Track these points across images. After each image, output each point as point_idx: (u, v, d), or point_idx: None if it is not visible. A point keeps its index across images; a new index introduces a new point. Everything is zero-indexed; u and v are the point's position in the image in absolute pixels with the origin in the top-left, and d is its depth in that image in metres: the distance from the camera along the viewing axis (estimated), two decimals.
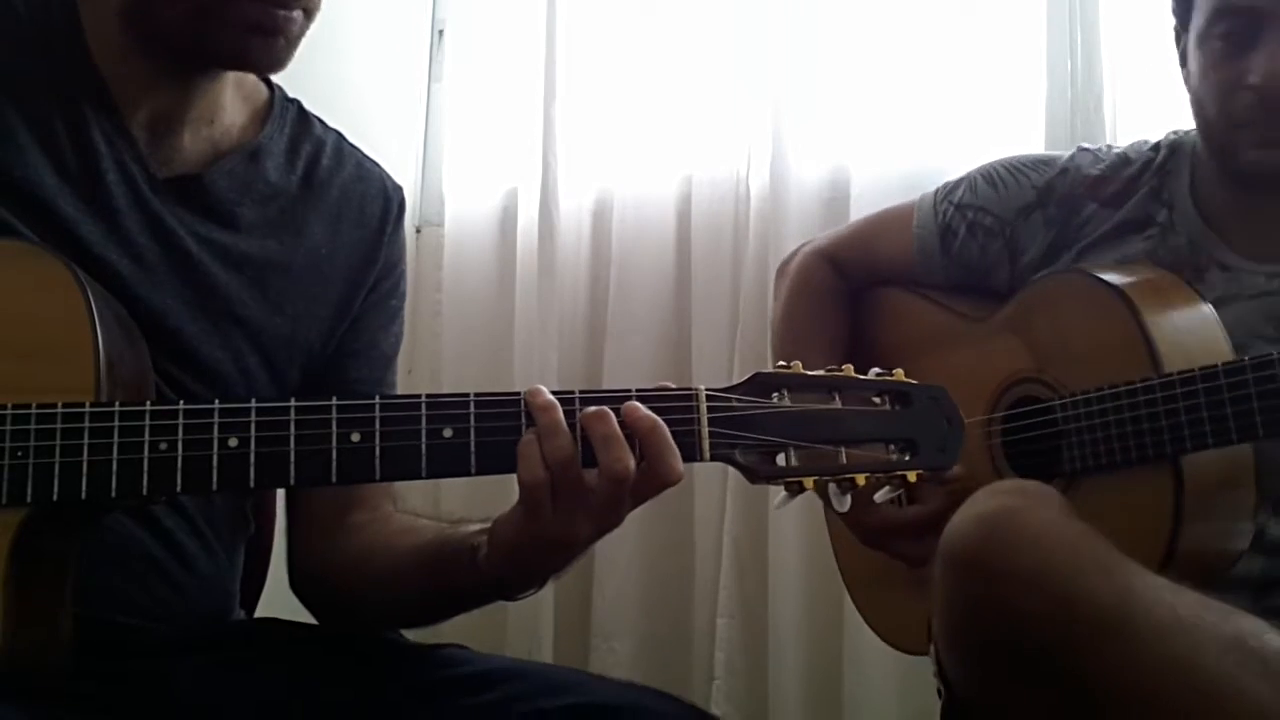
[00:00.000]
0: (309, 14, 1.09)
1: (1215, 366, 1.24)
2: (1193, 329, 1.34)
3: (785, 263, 1.77)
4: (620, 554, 2.38)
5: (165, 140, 1.13)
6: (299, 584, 1.24)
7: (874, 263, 1.67)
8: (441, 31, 2.75)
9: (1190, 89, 1.41)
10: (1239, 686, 0.95)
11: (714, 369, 2.31)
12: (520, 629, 2.41)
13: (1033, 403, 1.44)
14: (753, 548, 2.26)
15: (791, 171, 2.27)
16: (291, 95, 1.26)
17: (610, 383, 2.40)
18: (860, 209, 2.09)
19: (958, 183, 1.59)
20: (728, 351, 2.31)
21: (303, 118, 1.25)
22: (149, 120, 1.12)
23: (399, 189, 1.31)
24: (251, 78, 1.22)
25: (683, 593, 2.37)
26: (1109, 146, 1.53)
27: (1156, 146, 1.49)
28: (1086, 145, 1.54)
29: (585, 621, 2.42)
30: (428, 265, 2.62)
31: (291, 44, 1.09)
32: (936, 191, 1.61)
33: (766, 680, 2.22)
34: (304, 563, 1.23)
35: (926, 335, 1.61)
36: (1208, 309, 1.34)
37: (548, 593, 2.39)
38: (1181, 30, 1.42)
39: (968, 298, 1.58)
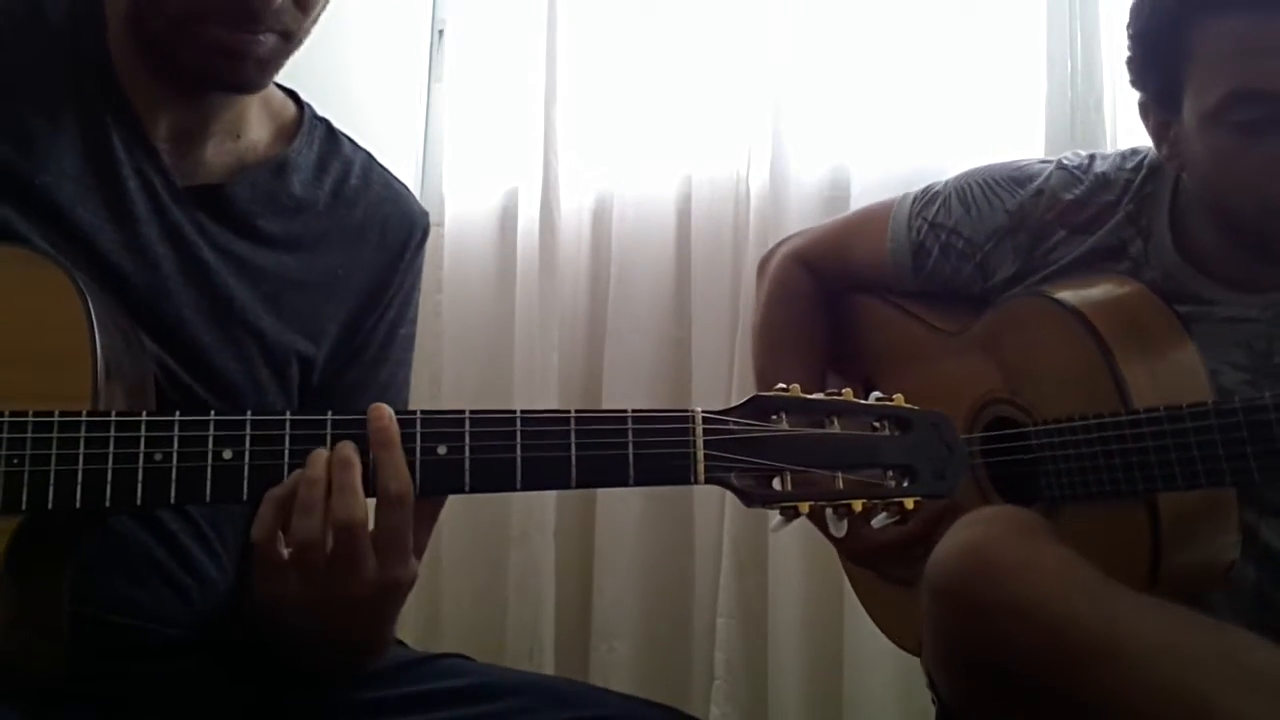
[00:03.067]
0: (287, 37, 1.08)
1: (1180, 408, 1.20)
2: (1166, 359, 1.30)
3: (765, 260, 1.75)
4: (620, 555, 2.39)
5: (188, 153, 1.13)
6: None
7: (848, 269, 1.64)
8: (441, 31, 2.74)
9: (1195, 171, 1.33)
10: (1230, 705, 0.96)
11: (714, 369, 2.31)
12: (520, 630, 2.42)
13: (1009, 425, 1.41)
14: (753, 548, 2.26)
15: (791, 171, 2.26)
16: (289, 91, 1.26)
17: (610, 383, 2.42)
18: None
19: (934, 196, 1.54)
20: (728, 352, 2.31)
21: (331, 136, 1.25)
22: (170, 133, 1.12)
23: (425, 215, 1.31)
24: (278, 94, 1.22)
25: (682, 593, 2.37)
26: (1090, 160, 1.46)
27: (1138, 165, 1.42)
28: (1068, 160, 1.47)
29: (585, 622, 2.43)
30: (428, 265, 2.60)
31: (264, 65, 1.09)
32: (914, 201, 1.56)
33: (766, 680, 2.22)
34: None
35: (901, 348, 1.59)
36: (1185, 338, 1.30)
37: (548, 594, 2.40)
38: (1159, 109, 1.34)
39: (941, 308, 1.55)
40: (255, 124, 1.19)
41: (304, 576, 0.93)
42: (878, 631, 1.69)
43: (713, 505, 2.30)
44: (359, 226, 1.23)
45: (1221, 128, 1.25)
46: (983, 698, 1.07)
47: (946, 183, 1.55)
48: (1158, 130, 1.36)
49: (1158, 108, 1.34)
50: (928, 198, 1.55)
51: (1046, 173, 1.47)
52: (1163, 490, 1.23)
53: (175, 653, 1.10)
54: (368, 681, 1.11)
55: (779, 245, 1.75)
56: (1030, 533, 1.11)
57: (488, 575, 2.50)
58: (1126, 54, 1.36)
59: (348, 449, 0.93)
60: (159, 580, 1.10)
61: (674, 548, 2.38)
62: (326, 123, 1.26)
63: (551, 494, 2.40)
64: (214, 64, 1.06)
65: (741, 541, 2.27)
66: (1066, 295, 1.35)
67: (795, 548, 2.19)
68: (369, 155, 1.28)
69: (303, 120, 1.23)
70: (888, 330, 1.61)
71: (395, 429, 0.93)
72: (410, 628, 2.46)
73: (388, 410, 0.94)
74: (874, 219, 1.61)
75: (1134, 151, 1.44)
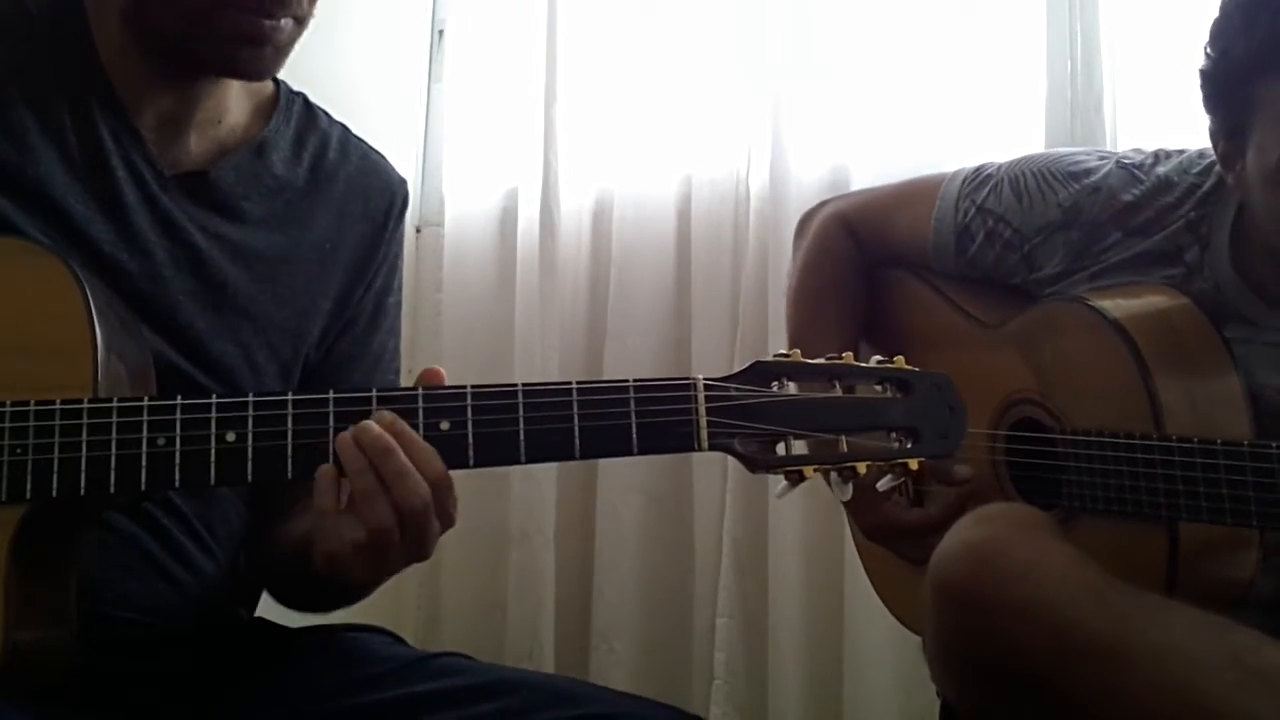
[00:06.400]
0: (299, 22, 1.10)
1: (1214, 443, 1.19)
2: (1207, 386, 1.28)
3: (806, 218, 1.72)
4: (620, 555, 2.38)
5: (173, 141, 1.14)
6: (250, 559, 1.23)
7: (890, 241, 1.61)
8: (441, 31, 2.75)
9: (1254, 211, 1.30)
10: (1238, 706, 0.95)
11: (714, 369, 2.27)
12: (520, 630, 2.41)
13: (1035, 425, 1.40)
14: (753, 548, 2.25)
15: (791, 171, 2.26)
16: None
17: None
18: None
19: (985, 179, 1.50)
20: (728, 352, 2.31)
21: (308, 111, 1.26)
22: (156, 121, 1.13)
23: (404, 182, 1.32)
24: None
25: (683, 593, 2.37)
26: (1153, 159, 1.42)
27: (1206, 170, 1.37)
28: (1128, 159, 1.43)
29: (585, 622, 2.42)
30: (428, 265, 2.62)
31: (280, 51, 1.10)
32: (964, 181, 1.52)
33: (766, 680, 2.22)
34: (258, 542, 1.23)
35: (936, 332, 1.56)
36: (1229, 365, 1.28)
37: (548, 594, 2.40)
38: (1226, 142, 1.29)
39: (980, 296, 1.53)
40: (236, 107, 1.20)
41: (377, 559, 0.94)
42: (878, 632, 1.69)
43: (713, 505, 2.30)
44: (341, 199, 1.24)
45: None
46: (986, 698, 1.06)
47: (1000, 166, 1.51)
48: (1225, 160, 1.32)
49: (1225, 141, 1.30)
50: (979, 180, 1.51)
51: (1105, 170, 1.43)
52: (1186, 520, 1.22)
53: (174, 648, 1.10)
54: (367, 681, 1.12)
55: (821, 205, 1.71)
56: (1036, 532, 1.10)
57: (488, 575, 2.49)
58: (1198, 84, 1.32)
59: (373, 435, 0.92)
60: (154, 574, 1.10)
61: (674, 548, 2.38)
62: (303, 97, 1.27)
63: (551, 494, 2.40)
64: (235, 53, 1.08)
65: (741, 542, 2.27)
66: (1110, 306, 1.33)
67: (795, 548, 2.19)
68: (344, 127, 1.29)
69: (279, 97, 1.24)
70: (924, 313, 1.59)
71: (396, 430, 0.93)
72: (410, 628, 2.46)
73: (386, 416, 0.93)
74: (923, 192, 1.58)
75: (1202, 155, 1.39)
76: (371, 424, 0.92)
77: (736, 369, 2.30)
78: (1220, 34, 1.26)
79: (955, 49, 2.16)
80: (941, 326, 1.56)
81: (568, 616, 2.43)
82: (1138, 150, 1.45)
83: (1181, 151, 1.42)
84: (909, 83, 2.20)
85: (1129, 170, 1.41)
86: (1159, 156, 1.42)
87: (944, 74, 2.17)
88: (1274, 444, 1.17)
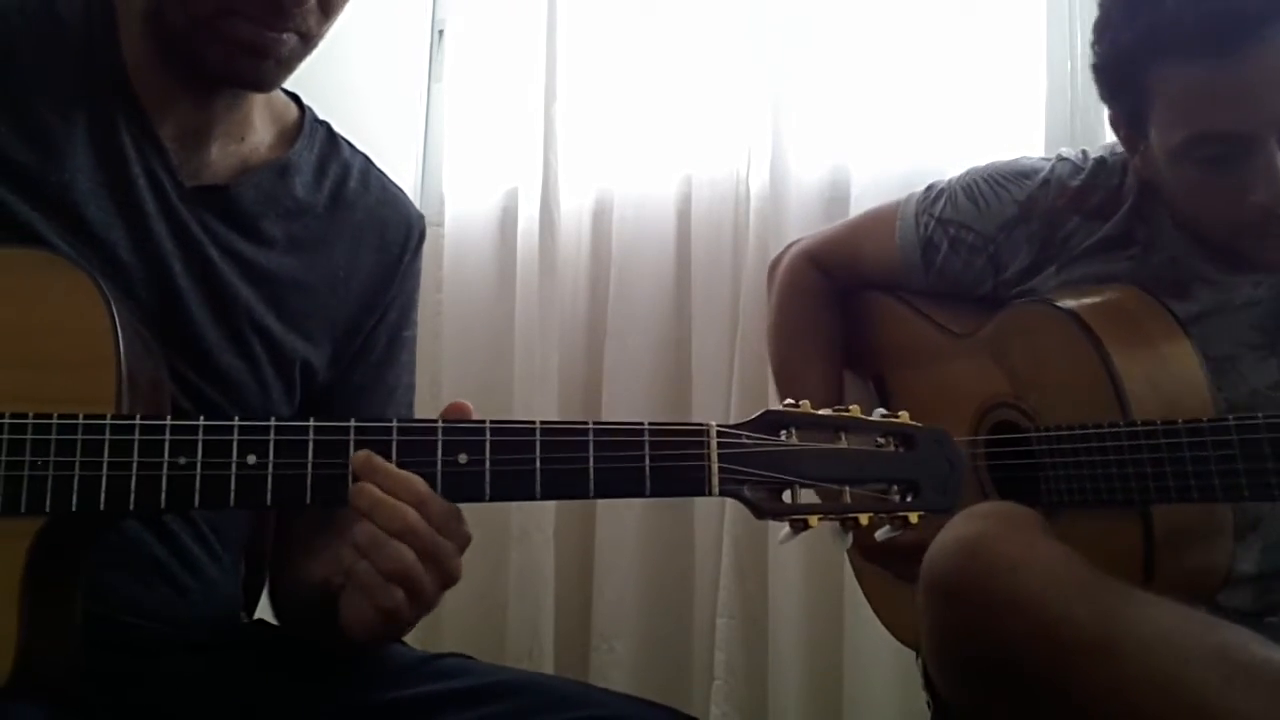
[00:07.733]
0: (305, 39, 1.09)
1: (1176, 423, 1.23)
2: (1166, 366, 1.32)
3: (775, 263, 1.78)
4: (620, 555, 2.39)
5: (194, 152, 1.14)
6: (273, 596, 1.25)
7: (859, 267, 1.67)
8: (441, 31, 2.75)
9: (1166, 189, 1.38)
10: (1226, 701, 0.96)
11: (714, 369, 2.32)
12: (521, 630, 2.42)
13: (1012, 428, 1.43)
14: (753, 548, 2.26)
15: (791, 171, 2.27)
16: (292, 94, 1.26)
17: (610, 383, 2.42)
18: (860, 209, 2.08)
19: (939, 193, 1.57)
20: (728, 352, 2.32)
21: (332, 139, 1.26)
22: (177, 132, 1.13)
23: (421, 218, 1.32)
24: (280, 96, 1.23)
25: (683, 593, 2.38)
26: (1084, 151, 1.50)
27: None
28: (1066, 153, 1.51)
29: (586, 622, 2.43)
30: (428, 265, 2.60)
31: (283, 65, 1.10)
32: (919, 200, 1.59)
33: (766, 680, 2.23)
34: (279, 579, 1.24)
35: (912, 347, 1.61)
36: (1183, 341, 1.32)
37: (548, 594, 2.40)
38: (1127, 127, 1.39)
39: (951, 308, 1.57)
40: (259, 126, 1.20)
41: (412, 591, 0.94)
42: (878, 632, 1.70)
43: (713, 505, 2.31)
44: (358, 229, 1.24)
45: (1186, 163, 1.31)
46: (979, 693, 1.07)
47: (950, 181, 1.57)
48: (1128, 143, 1.41)
49: (1126, 127, 1.39)
50: (932, 195, 1.58)
51: (1049, 165, 1.50)
52: (1156, 501, 1.25)
53: (178, 652, 1.10)
54: (371, 682, 1.11)
55: (788, 248, 1.77)
56: (1026, 528, 1.11)
57: (488, 575, 2.49)
58: (1093, 78, 1.40)
59: (357, 489, 0.93)
60: (161, 580, 1.11)
61: (674, 548, 2.38)
62: (327, 126, 1.27)
63: None
64: (237, 61, 1.07)
65: (741, 542, 2.27)
66: (1069, 302, 1.37)
67: (795, 548, 2.19)
68: (367, 159, 1.29)
69: (304, 123, 1.24)
70: (900, 329, 1.63)
71: (370, 468, 0.94)
72: None
73: (360, 455, 0.94)
74: (881, 219, 1.63)
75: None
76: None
77: (736, 369, 2.33)
78: (1104, 29, 1.34)
79: (955, 49, 2.17)
80: (917, 341, 1.60)
81: (568, 616, 2.43)
82: (1070, 149, 1.53)
83: (1109, 142, 1.50)
84: (909, 83, 2.21)
85: (1069, 162, 1.50)
86: (1086, 151, 1.51)
87: (944, 74, 2.18)
88: (1230, 418, 1.21)
